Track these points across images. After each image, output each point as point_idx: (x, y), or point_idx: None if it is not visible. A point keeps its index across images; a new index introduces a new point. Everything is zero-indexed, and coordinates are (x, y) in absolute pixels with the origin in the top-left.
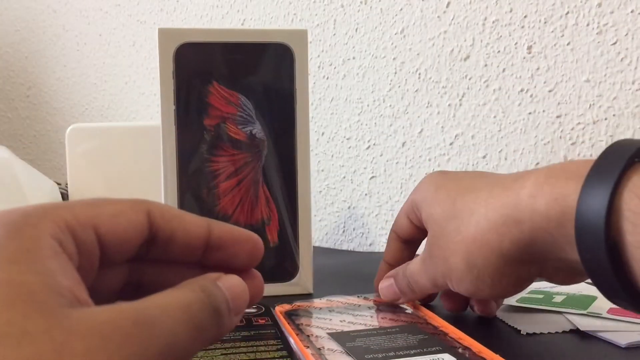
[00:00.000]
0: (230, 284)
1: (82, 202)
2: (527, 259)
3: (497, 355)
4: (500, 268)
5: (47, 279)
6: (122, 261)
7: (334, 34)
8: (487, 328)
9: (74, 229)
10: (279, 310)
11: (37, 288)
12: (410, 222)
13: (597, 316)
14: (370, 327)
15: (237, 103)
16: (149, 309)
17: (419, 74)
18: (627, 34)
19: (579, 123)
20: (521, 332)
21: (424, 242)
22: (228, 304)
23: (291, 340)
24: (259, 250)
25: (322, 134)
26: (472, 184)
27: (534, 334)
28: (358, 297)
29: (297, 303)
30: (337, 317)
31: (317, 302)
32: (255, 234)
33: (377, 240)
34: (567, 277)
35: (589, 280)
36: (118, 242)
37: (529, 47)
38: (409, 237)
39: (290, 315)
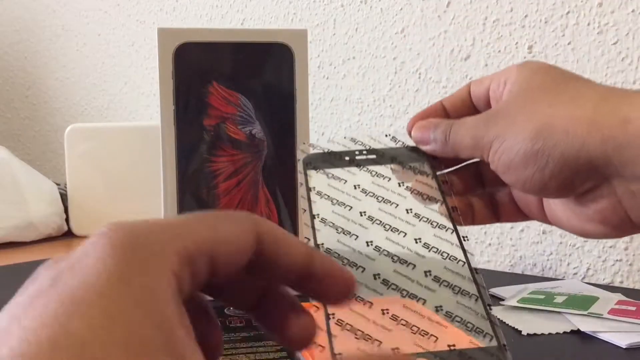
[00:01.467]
0: None
1: (199, 221)
2: (600, 165)
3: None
4: (566, 157)
5: (165, 336)
6: (226, 284)
7: (334, 34)
8: None
9: (193, 259)
10: None
11: (153, 349)
12: (489, 87)
13: (598, 317)
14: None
15: (237, 103)
16: None
17: (419, 73)
18: (627, 34)
19: None
20: (522, 333)
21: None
22: None
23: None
24: (351, 290)
25: (322, 134)
26: (589, 80)
27: (535, 334)
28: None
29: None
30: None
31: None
32: (350, 273)
33: None
34: (610, 209)
35: (590, 280)
36: (228, 267)
37: (530, 47)
38: (477, 100)
39: None
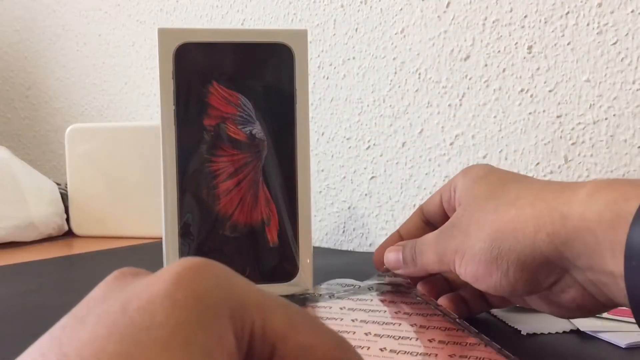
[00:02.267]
0: None
1: (283, 308)
2: (554, 260)
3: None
4: (523, 259)
5: None
6: None
7: (334, 34)
8: (487, 328)
9: (255, 340)
10: None
11: None
12: (441, 201)
13: (597, 316)
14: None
15: (237, 103)
16: None
17: (419, 74)
18: (627, 34)
19: (579, 123)
20: (521, 333)
21: None
22: None
23: None
24: None
25: (322, 134)
26: (526, 178)
27: (534, 334)
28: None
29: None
30: (337, 303)
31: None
32: None
33: (377, 240)
34: (579, 297)
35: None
36: None
37: (529, 47)
38: (432, 217)
39: None
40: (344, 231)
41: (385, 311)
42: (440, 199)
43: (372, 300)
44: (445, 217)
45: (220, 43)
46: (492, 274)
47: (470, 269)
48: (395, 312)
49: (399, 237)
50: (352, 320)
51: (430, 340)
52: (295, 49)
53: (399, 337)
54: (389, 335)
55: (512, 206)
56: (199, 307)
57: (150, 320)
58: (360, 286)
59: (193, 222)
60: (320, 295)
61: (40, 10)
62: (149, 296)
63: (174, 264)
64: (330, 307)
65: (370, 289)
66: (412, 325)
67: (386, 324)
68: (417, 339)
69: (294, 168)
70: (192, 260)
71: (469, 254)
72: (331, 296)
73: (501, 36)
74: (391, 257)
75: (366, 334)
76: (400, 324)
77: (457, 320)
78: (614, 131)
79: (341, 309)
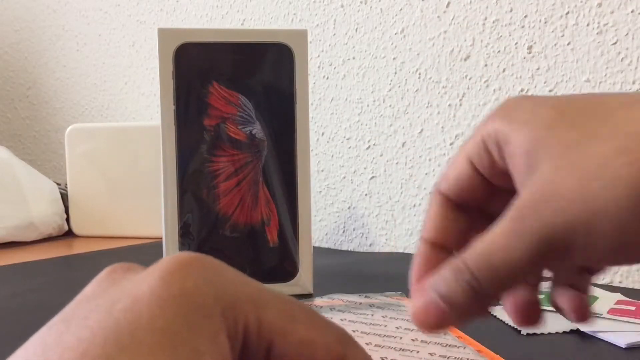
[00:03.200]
0: None
1: (280, 302)
2: None
3: (498, 356)
4: None
5: None
6: None
7: (334, 34)
8: (487, 328)
9: (250, 336)
10: None
11: None
12: (473, 169)
13: (597, 316)
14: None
15: (237, 103)
16: None
17: (419, 74)
18: (627, 34)
19: None
20: (521, 332)
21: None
22: None
23: None
24: None
25: (322, 134)
26: (599, 98)
27: (534, 334)
28: (359, 295)
29: None
30: (338, 315)
31: (318, 301)
32: None
33: (377, 240)
34: None
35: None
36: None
37: (529, 47)
38: (467, 195)
39: None
40: (344, 231)
41: (386, 326)
42: (472, 167)
43: (373, 315)
44: (486, 189)
45: (220, 43)
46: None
47: (610, 238)
48: (396, 328)
49: (430, 247)
50: (353, 331)
51: (431, 354)
52: (295, 49)
53: (400, 348)
54: (389, 347)
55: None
56: (188, 306)
57: (135, 322)
58: (361, 303)
59: (193, 222)
60: (321, 307)
61: (41, 11)
62: (135, 295)
63: (163, 259)
64: (331, 318)
65: (371, 306)
66: (413, 340)
67: (387, 336)
68: (417, 352)
69: (294, 168)
70: (181, 256)
71: (604, 218)
72: (332, 309)
73: (501, 36)
74: (428, 312)
75: (367, 344)
76: (401, 337)
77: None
78: None
79: (342, 320)
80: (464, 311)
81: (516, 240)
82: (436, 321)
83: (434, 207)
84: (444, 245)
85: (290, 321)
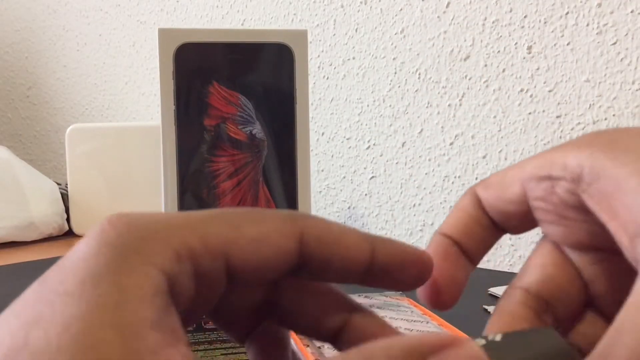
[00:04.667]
0: None
1: (220, 218)
2: None
3: (460, 331)
4: None
5: (123, 339)
6: (259, 285)
7: (334, 34)
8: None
9: (198, 258)
10: None
11: (104, 353)
12: (524, 195)
13: None
14: None
15: (237, 103)
16: None
17: (419, 74)
18: (627, 34)
19: (579, 123)
20: None
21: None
22: None
23: (291, 340)
24: (428, 272)
25: (322, 134)
26: None
27: None
28: (359, 295)
29: None
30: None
31: None
32: (426, 253)
33: None
34: None
35: None
36: (254, 271)
37: (529, 47)
38: (505, 215)
39: None
40: None
41: (428, 321)
42: (524, 192)
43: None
44: (529, 221)
45: (221, 43)
46: None
47: None
48: (396, 328)
49: (446, 241)
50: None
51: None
52: (295, 49)
53: (426, 331)
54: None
55: None
56: (111, 253)
57: (61, 278)
58: (361, 303)
59: None
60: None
61: (41, 11)
62: (64, 259)
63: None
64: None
65: (371, 306)
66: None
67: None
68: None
69: (294, 168)
70: (108, 216)
71: None
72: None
73: (501, 36)
74: None
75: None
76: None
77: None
78: None
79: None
80: None
81: None
82: None
83: (466, 206)
84: (460, 238)
85: (235, 227)
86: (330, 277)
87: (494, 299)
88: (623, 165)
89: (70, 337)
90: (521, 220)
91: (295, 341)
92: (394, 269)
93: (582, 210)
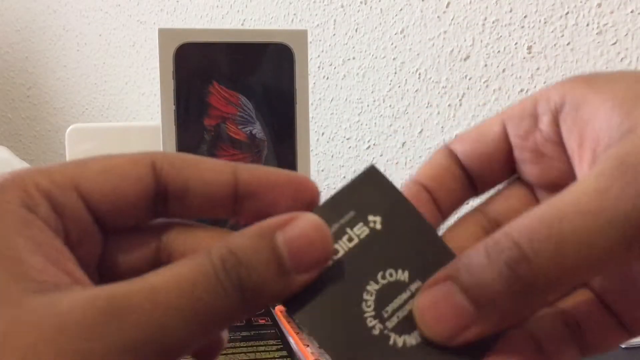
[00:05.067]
0: (290, 234)
1: (64, 163)
2: None
3: None
4: None
5: (6, 260)
6: (133, 224)
7: (334, 34)
8: None
9: (50, 192)
10: (279, 310)
11: None
12: (504, 134)
13: None
14: None
15: (237, 103)
16: (131, 293)
17: (419, 74)
18: (627, 34)
19: None
20: None
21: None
22: (274, 265)
23: (291, 340)
24: (307, 191)
25: (322, 134)
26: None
27: None
28: None
29: None
30: None
31: None
32: (301, 175)
33: None
34: None
35: None
36: (110, 201)
37: (529, 47)
38: (479, 163)
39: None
40: None
41: None
42: (503, 131)
43: None
44: (506, 163)
45: (221, 43)
46: None
47: None
48: None
49: (420, 189)
50: None
51: None
52: (295, 49)
53: None
54: None
55: None
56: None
57: None
58: None
59: None
60: None
61: (41, 11)
62: None
63: None
64: None
65: None
66: None
67: None
68: None
69: (294, 168)
70: None
71: None
72: None
73: (501, 36)
74: (442, 309)
75: None
76: None
77: None
78: None
79: None
80: (497, 312)
81: (618, 199)
82: (452, 325)
83: (437, 158)
84: (433, 185)
85: (83, 164)
86: (197, 207)
87: None
88: (602, 92)
89: None
90: (497, 162)
91: (295, 341)
92: (262, 190)
93: (561, 146)
